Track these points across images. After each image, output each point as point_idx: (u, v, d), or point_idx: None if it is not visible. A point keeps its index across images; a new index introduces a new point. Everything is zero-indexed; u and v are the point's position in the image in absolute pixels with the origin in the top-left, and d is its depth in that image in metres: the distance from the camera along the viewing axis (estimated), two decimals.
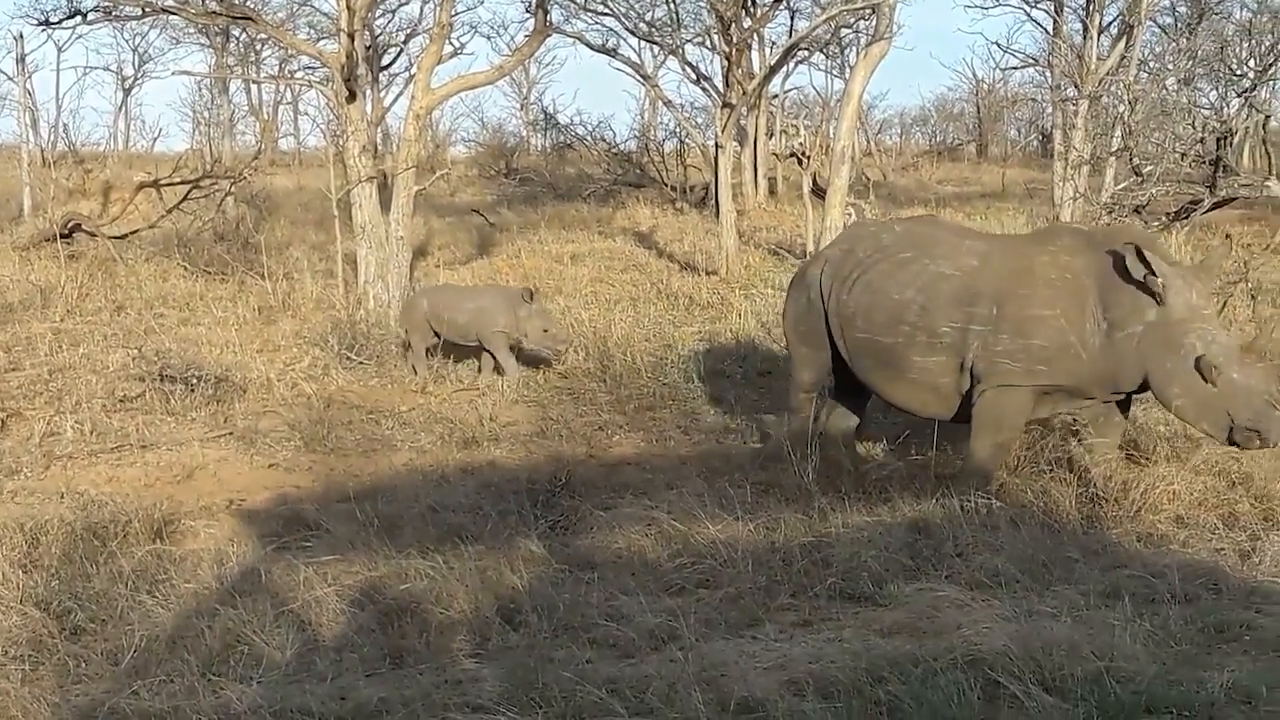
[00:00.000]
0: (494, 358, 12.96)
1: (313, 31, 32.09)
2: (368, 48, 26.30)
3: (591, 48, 22.97)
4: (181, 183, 21.48)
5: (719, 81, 27.88)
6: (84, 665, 6.05)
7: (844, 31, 35.42)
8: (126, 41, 47.16)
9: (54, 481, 9.49)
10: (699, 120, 32.27)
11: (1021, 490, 8.14)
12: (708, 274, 19.43)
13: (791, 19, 33.58)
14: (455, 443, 10.62)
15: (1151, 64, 25.75)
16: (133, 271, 19.02)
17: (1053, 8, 32.14)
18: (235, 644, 6.17)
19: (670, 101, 26.09)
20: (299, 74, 33.10)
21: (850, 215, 18.17)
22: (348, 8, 15.73)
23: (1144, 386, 8.14)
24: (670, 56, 29.33)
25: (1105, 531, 7.52)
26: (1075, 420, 8.70)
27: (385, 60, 35.03)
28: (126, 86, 48.15)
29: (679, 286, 18.08)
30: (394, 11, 32.82)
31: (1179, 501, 7.85)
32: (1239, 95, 24.46)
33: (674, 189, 30.56)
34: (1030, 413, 8.42)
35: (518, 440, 10.71)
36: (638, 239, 24.17)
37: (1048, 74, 31.48)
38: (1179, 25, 30.67)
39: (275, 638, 6.18)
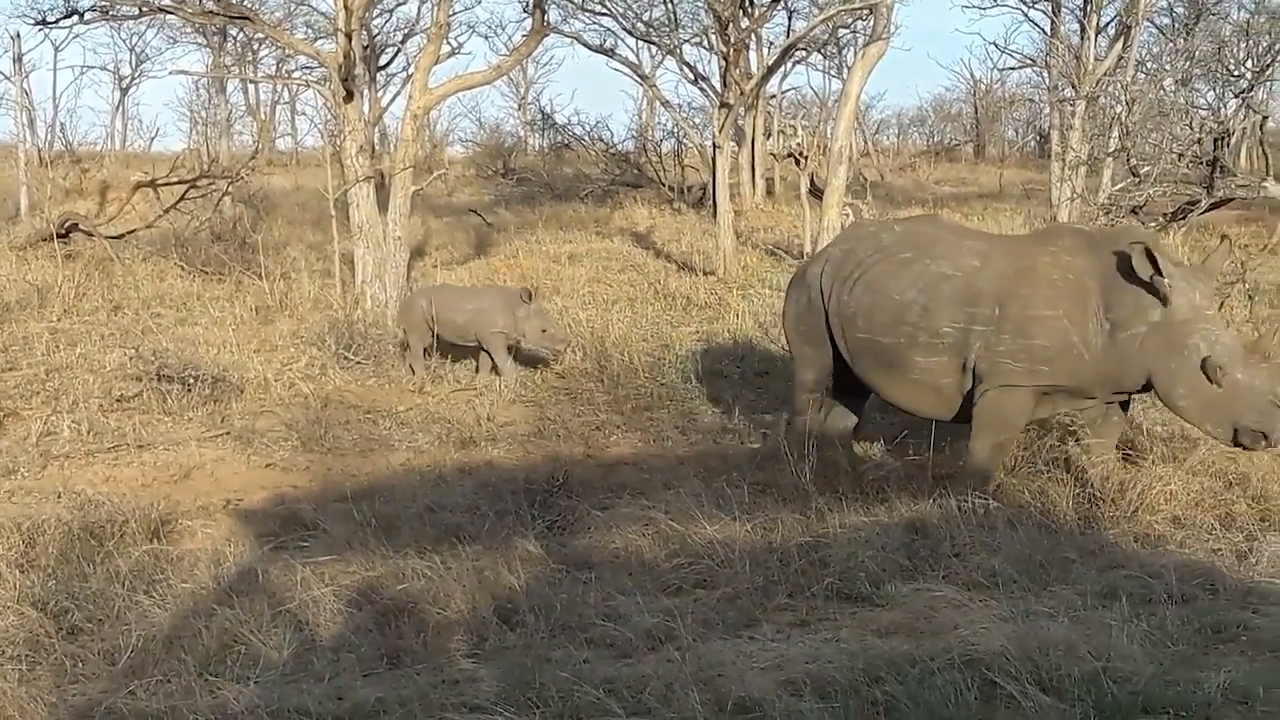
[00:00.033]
0: (491, 358, 12.96)
1: (310, 31, 32.15)
2: (365, 47, 26.36)
3: (589, 48, 23.00)
4: (179, 182, 21.46)
5: (716, 82, 27.89)
6: (81, 665, 6.05)
7: (841, 32, 35.40)
8: (123, 41, 47.11)
9: (51, 481, 9.47)
10: (696, 120, 32.33)
11: (1019, 491, 8.15)
12: (705, 274, 19.42)
13: (789, 19, 33.61)
14: (453, 443, 10.62)
15: (1149, 65, 25.80)
16: (130, 271, 18.98)
17: (1050, 8, 32.14)
18: (232, 644, 6.17)
19: (668, 102, 26.10)
20: (296, 74, 33.06)
21: (848, 216, 18.16)
22: (345, 7, 15.73)
23: (1146, 387, 8.15)
24: (668, 56, 29.37)
25: (1102, 532, 7.52)
26: (1073, 421, 8.71)
27: (383, 60, 35.11)
28: (123, 86, 48.11)
29: (676, 287, 18.07)
30: (391, 11, 32.91)
31: (1176, 502, 7.86)
32: (1236, 96, 24.51)
33: (671, 189, 30.55)
34: (1031, 413, 8.42)
35: (515, 440, 10.71)
36: (635, 239, 24.17)
37: (1045, 74, 31.52)
38: (1176, 26, 30.74)
39: (272, 638, 6.18)
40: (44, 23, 18.71)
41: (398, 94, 34.21)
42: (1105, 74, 22.17)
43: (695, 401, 11.77)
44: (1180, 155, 16.53)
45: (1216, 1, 29.71)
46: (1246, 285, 13.41)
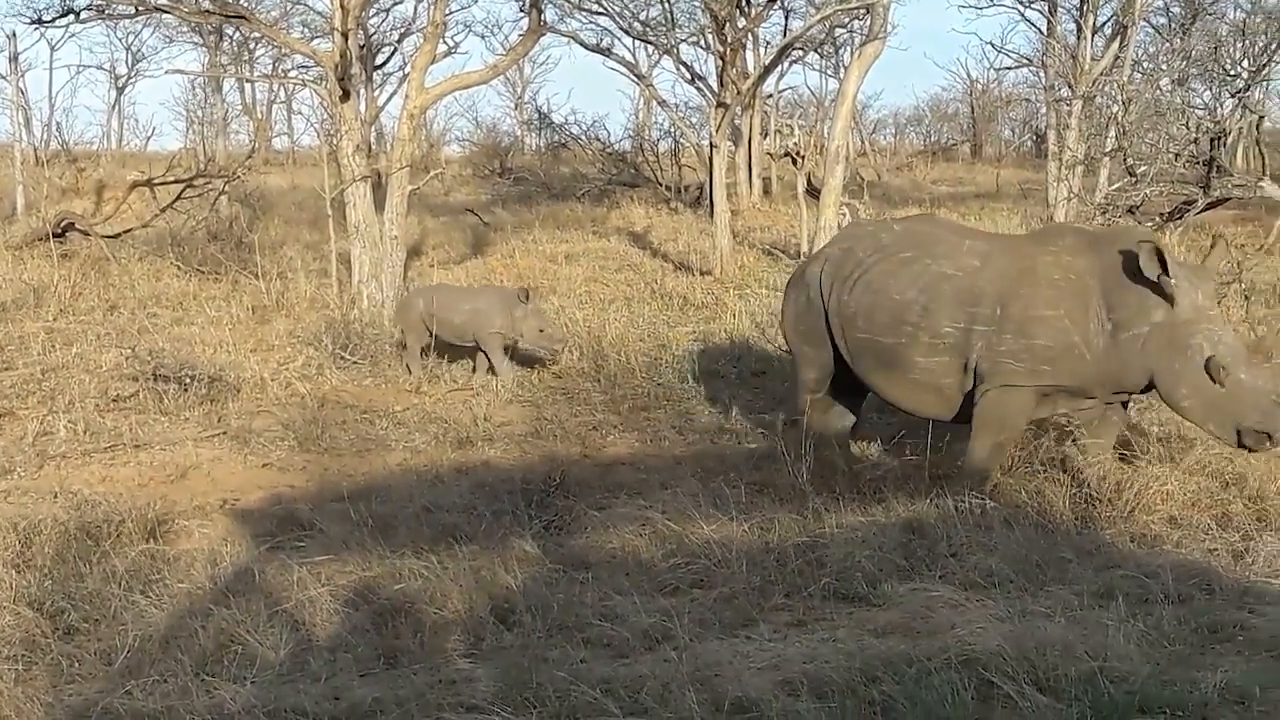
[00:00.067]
0: (488, 358, 12.96)
1: (306, 30, 32.14)
2: (361, 47, 26.34)
3: (586, 47, 22.96)
4: (175, 182, 21.45)
5: (713, 81, 27.85)
6: (77, 665, 6.05)
7: (838, 31, 35.37)
8: (120, 40, 47.03)
9: (47, 481, 9.47)
10: (693, 120, 32.30)
11: (1015, 491, 8.15)
12: (702, 274, 19.42)
13: (786, 19, 33.56)
14: (450, 443, 10.62)
15: (1145, 64, 25.73)
16: (126, 271, 18.97)
17: (1047, 8, 32.09)
18: (229, 644, 6.17)
19: (665, 101, 26.09)
20: (293, 73, 33.07)
21: (844, 215, 18.16)
22: (341, 6, 15.72)
23: (1147, 388, 8.15)
24: (665, 56, 29.27)
25: (1099, 532, 7.53)
26: (1068, 421, 8.71)
27: (379, 59, 35.08)
28: (120, 85, 48.06)
29: (673, 286, 18.08)
30: (388, 10, 32.89)
31: (1172, 502, 7.86)
32: (1233, 96, 24.49)
33: (668, 189, 30.53)
34: (1032, 413, 8.43)
35: (512, 440, 10.71)
36: (632, 239, 24.17)
37: (1042, 74, 31.46)
38: (1173, 25, 30.74)
39: (269, 638, 6.18)
40: (40, 22, 18.66)
41: (394, 93, 34.23)
42: (1102, 74, 22.17)
43: (692, 401, 11.77)
44: (1177, 155, 16.51)
45: (1213, 1, 29.73)
46: (1243, 285, 13.41)
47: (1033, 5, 33.01)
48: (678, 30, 28.18)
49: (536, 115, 39.45)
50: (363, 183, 16.08)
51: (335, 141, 17.49)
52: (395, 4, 32.05)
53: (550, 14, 21.58)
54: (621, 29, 25.16)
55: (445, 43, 18.06)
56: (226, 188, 21.85)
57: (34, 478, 9.61)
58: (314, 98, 31.27)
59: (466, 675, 5.75)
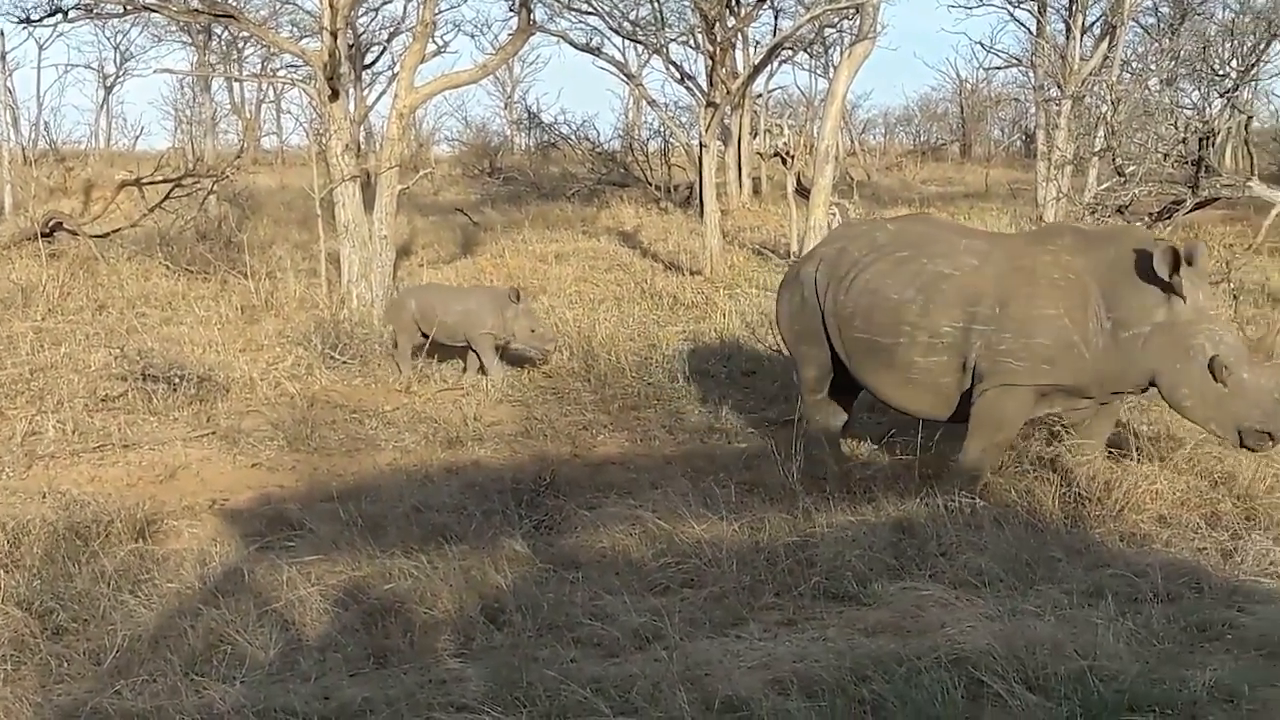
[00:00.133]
0: (479, 358, 12.95)
1: (295, 29, 32.00)
2: (350, 46, 26.31)
3: (575, 46, 22.96)
4: (164, 181, 21.40)
5: (703, 81, 27.89)
6: (66, 665, 6.03)
7: (828, 31, 35.47)
8: (108, 39, 47.14)
9: (36, 481, 9.44)
10: (683, 119, 32.28)
11: (1005, 490, 8.16)
12: (692, 274, 19.43)
13: (775, 18, 33.64)
14: (439, 442, 10.61)
15: (1134, 64, 25.86)
16: (114, 270, 18.93)
17: (1036, 8, 32.22)
18: (218, 644, 6.16)
19: (654, 101, 26.08)
20: (281, 72, 33.06)
21: (834, 215, 18.19)
22: (330, 6, 15.69)
23: (1146, 388, 8.16)
24: (654, 56, 29.35)
25: (1088, 531, 7.54)
26: (1057, 420, 8.72)
27: (368, 58, 34.97)
28: (108, 84, 48.00)
29: (663, 286, 18.07)
30: (377, 9, 32.77)
31: (1161, 501, 7.87)
32: (1221, 96, 24.58)
33: (658, 188, 30.57)
34: (1030, 413, 8.43)
35: (502, 440, 10.70)
36: (622, 238, 24.17)
37: (1031, 74, 31.55)
38: (1162, 26, 30.78)
39: (258, 637, 6.17)
40: (28, 20, 18.67)
41: (383, 93, 34.11)
42: (1091, 73, 22.21)
43: (682, 401, 11.77)
44: (1165, 155, 16.58)
45: (1201, 1, 29.79)
46: (1231, 285, 13.45)
47: (1022, 5, 33.13)
48: (667, 30, 28.21)
49: (526, 115, 39.57)
50: (352, 182, 16.07)
51: (324, 141, 17.46)
52: (384, 3, 31.93)
53: (540, 13, 21.61)
54: (611, 28, 25.14)
55: (434, 42, 18.01)
56: (215, 187, 21.80)
57: (22, 478, 9.59)
58: (303, 97, 31.35)
59: (456, 675, 5.74)
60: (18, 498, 8.96)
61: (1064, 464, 8.42)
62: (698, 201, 23.79)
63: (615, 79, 52.15)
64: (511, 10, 18.75)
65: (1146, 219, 16.67)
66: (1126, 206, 16.55)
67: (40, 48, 50.21)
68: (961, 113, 51.83)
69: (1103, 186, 17.95)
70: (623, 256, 21.88)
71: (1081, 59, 23.26)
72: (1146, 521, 7.66)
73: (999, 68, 42.08)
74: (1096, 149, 19.13)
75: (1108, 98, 18.68)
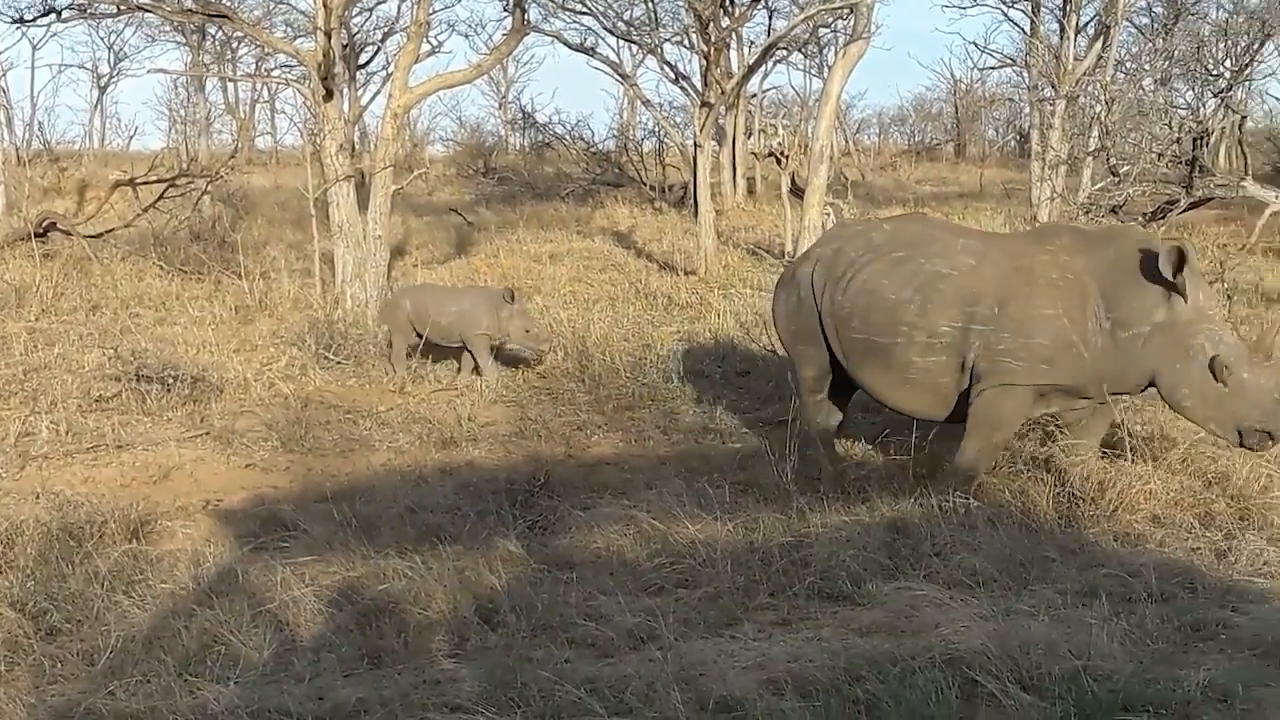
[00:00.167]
0: (474, 358, 12.94)
1: (289, 29, 32.04)
2: (345, 46, 26.30)
3: (570, 46, 22.94)
4: (157, 181, 21.36)
5: (697, 81, 27.88)
6: (60, 666, 6.03)
7: (822, 31, 35.43)
8: (102, 39, 47.14)
9: (29, 482, 9.43)
10: (677, 119, 32.36)
11: (999, 490, 8.16)
12: (686, 274, 19.43)
13: (770, 18, 33.60)
14: (433, 443, 10.60)
15: (1128, 64, 25.82)
16: (108, 271, 18.90)
17: (1030, 8, 32.16)
18: (212, 644, 6.15)
19: (649, 101, 26.06)
20: (276, 72, 33.00)
21: (829, 215, 18.19)
22: (324, 6, 15.68)
23: (1145, 388, 8.17)
24: (649, 56, 29.26)
25: (1082, 531, 7.54)
26: (1051, 420, 8.72)
27: (362, 58, 35.03)
28: (102, 84, 47.98)
29: (658, 286, 18.08)
30: (371, 10, 32.84)
31: (1155, 501, 7.87)
32: (1215, 96, 24.60)
33: (652, 188, 30.56)
34: (1028, 413, 8.43)
35: (496, 440, 10.70)
36: (616, 238, 24.17)
37: (1025, 74, 31.49)
38: (1155, 26, 30.81)
39: (252, 638, 6.16)
40: (21, 21, 18.58)
41: (378, 93, 34.20)
42: (1085, 73, 22.22)
43: (677, 401, 11.77)
44: (1159, 155, 16.61)
45: (1195, 1, 29.81)
46: (1225, 285, 13.47)
47: (1016, 5, 33.10)
48: (662, 30, 28.17)
49: (520, 115, 39.49)
50: (346, 182, 16.04)
51: (318, 141, 17.45)
52: (378, 3, 32.06)
53: (534, 13, 21.58)
54: (605, 28, 25.16)
55: (429, 42, 18.02)
56: (209, 187, 21.77)
57: (16, 478, 9.57)
58: (297, 97, 31.28)
59: (451, 675, 5.74)
60: (11, 498, 8.95)
61: (1058, 464, 8.42)
62: (692, 201, 23.80)
63: (610, 79, 52.20)
64: (506, 10, 18.71)
65: (1140, 219, 16.69)
66: (1121, 206, 16.57)
67: (34, 48, 50.27)
68: (956, 113, 51.85)
69: (1097, 186, 17.96)
70: (617, 257, 21.88)
71: (1076, 59, 23.26)
72: (1140, 521, 7.66)
73: (993, 68, 42.19)
74: (1091, 149, 19.14)
75: (1102, 98, 18.70)
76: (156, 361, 12.22)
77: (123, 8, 17.54)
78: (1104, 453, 8.63)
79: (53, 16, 17.38)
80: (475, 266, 20.40)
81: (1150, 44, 28.05)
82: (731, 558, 7.13)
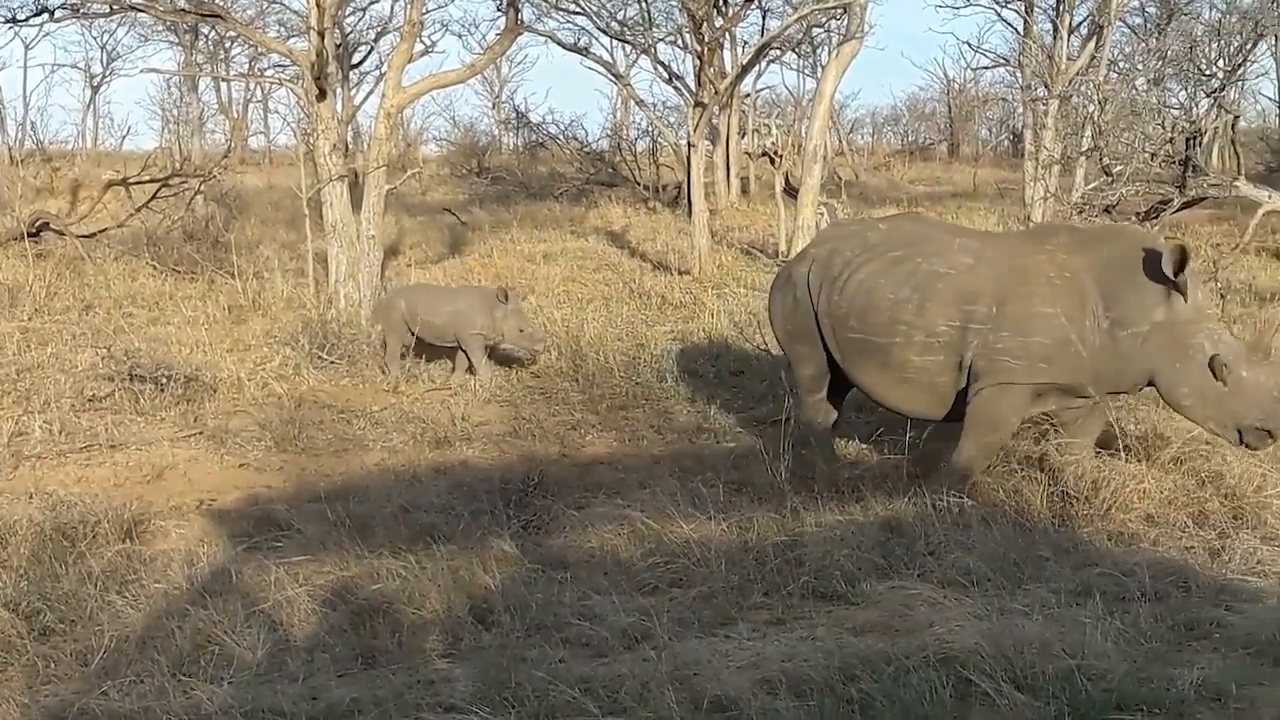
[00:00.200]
0: (468, 358, 12.93)
1: (282, 29, 32.02)
2: (338, 46, 26.22)
3: (563, 46, 22.94)
4: (150, 181, 21.32)
5: (691, 80, 27.85)
6: (53, 666, 6.02)
7: (816, 31, 35.48)
8: (94, 39, 47.06)
9: (22, 482, 9.41)
10: (671, 119, 32.30)
11: (993, 489, 8.17)
12: (680, 273, 19.43)
13: (763, 18, 33.64)
14: (427, 442, 10.60)
15: (1121, 64, 25.90)
16: (101, 270, 18.88)
17: (1023, 8, 32.24)
18: (206, 644, 6.15)
19: (642, 100, 26.04)
20: (269, 72, 33.04)
21: (822, 215, 18.20)
22: (318, 5, 15.66)
23: (1142, 387, 8.17)
24: (642, 55, 29.36)
25: (1076, 530, 7.55)
26: (1049, 419, 8.72)
27: (356, 58, 34.94)
28: (95, 84, 47.95)
29: (651, 286, 18.07)
30: (365, 9, 32.76)
31: (1149, 500, 7.87)
32: (1208, 95, 24.58)
33: (646, 188, 30.56)
34: (1025, 412, 8.43)
35: (490, 440, 10.69)
36: (610, 238, 24.16)
37: (1018, 74, 31.55)
38: (1148, 26, 30.84)
39: (246, 638, 6.15)
40: (14, 20, 18.58)
41: (371, 92, 34.06)
42: (1078, 73, 22.22)
43: (670, 401, 11.77)
44: (1153, 154, 16.59)
45: (1188, 1, 29.86)
46: (1219, 284, 13.48)
47: (1009, 5, 33.17)
48: (655, 30, 28.21)
49: (514, 114, 39.52)
50: (339, 182, 16.03)
51: (312, 141, 17.40)
52: (372, 3, 31.95)
53: (527, 13, 21.56)
54: (599, 28, 25.12)
55: (422, 42, 18.01)
56: (202, 187, 21.73)
57: (9, 478, 9.55)
58: (290, 97, 31.30)
59: (445, 675, 5.74)
60: (4, 498, 8.91)
61: (1052, 463, 8.43)
62: (686, 201, 23.81)
63: (603, 79, 52.01)
64: (499, 10, 18.69)
65: (1133, 218, 16.68)
66: (1114, 206, 16.57)
67: (26, 47, 50.25)
68: (949, 112, 51.88)
69: (1090, 186, 17.95)
70: (611, 256, 21.87)
71: (1068, 59, 23.27)
72: (1134, 520, 7.67)
73: (986, 67, 42.09)
74: (1084, 149, 19.14)
75: (1095, 97, 18.70)
76: (150, 361, 12.21)
77: (115, 7, 17.52)
78: (1097, 452, 8.64)
79: (45, 16, 17.35)
80: (469, 266, 20.39)
81: (1143, 44, 28.12)
82: (726, 557, 7.12)
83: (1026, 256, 8.38)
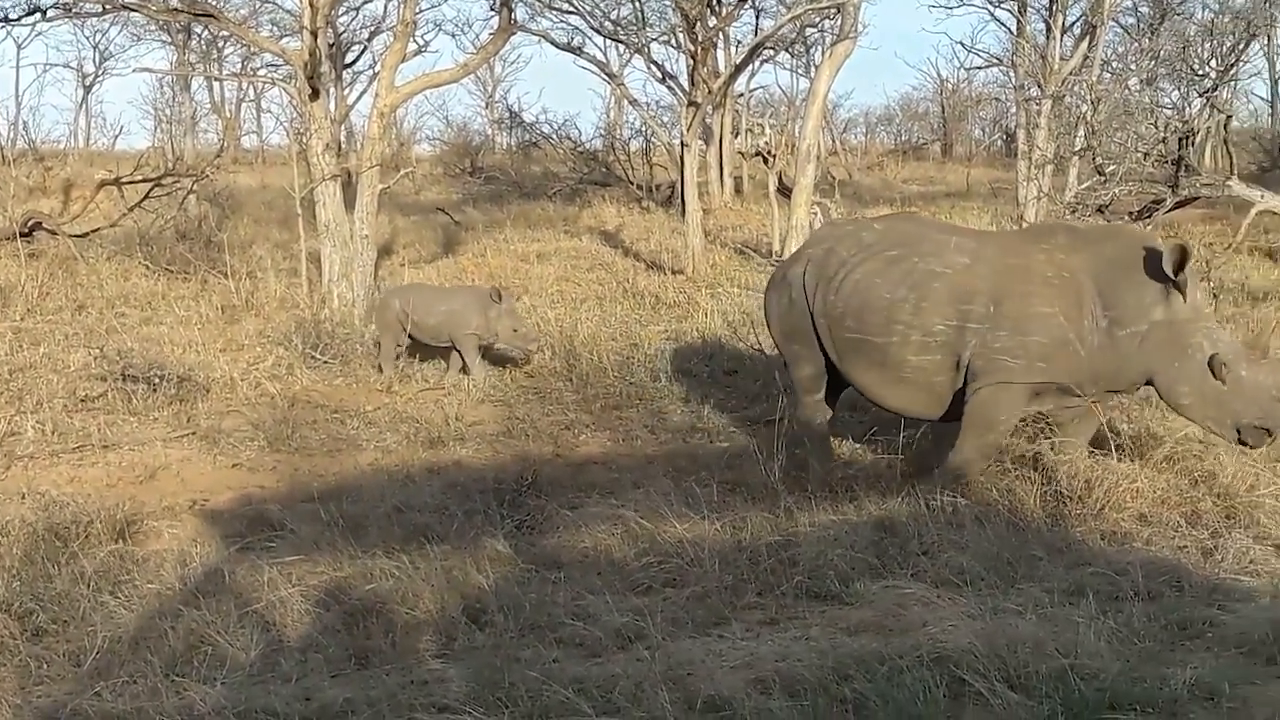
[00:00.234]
0: (462, 358, 12.93)
1: (275, 29, 31.97)
2: (331, 45, 26.26)
3: (557, 46, 22.97)
4: (143, 181, 21.27)
5: (684, 80, 27.92)
6: (46, 666, 6.00)
7: (809, 30, 35.49)
8: (87, 38, 46.94)
9: (15, 482, 9.39)
10: (665, 119, 32.30)
11: (987, 488, 8.17)
12: (674, 273, 19.42)
13: (757, 18, 33.67)
14: (421, 442, 10.59)
15: (1114, 64, 25.91)
16: (94, 270, 18.84)
17: (1016, 8, 32.23)
18: (199, 645, 6.14)
19: (636, 100, 26.08)
20: (262, 71, 32.99)
21: (816, 214, 18.21)
22: (310, 5, 15.66)
23: (1140, 386, 8.18)
24: (636, 55, 29.37)
25: (1069, 529, 7.55)
26: (1044, 419, 8.72)
27: (349, 58, 34.99)
28: (87, 84, 47.90)
29: (645, 285, 18.06)
30: (358, 9, 32.78)
31: (1142, 499, 7.88)
32: (1201, 95, 24.67)
33: (640, 188, 30.55)
34: (1023, 411, 8.43)
35: (484, 440, 10.68)
36: (604, 238, 24.15)
37: (1011, 74, 31.57)
38: (1141, 25, 30.93)
39: (239, 638, 6.14)
40: (5, 20, 18.51)
41: (364, 92, 34.16)
42: (1071, 73, 22.25)
43: (664, 400, 11.77)
44: (1145, 154, 16.58)
45: (1181, 1, 29.92)
46: (1211, 284, 13.49)
47: (1002, 5, 33.17)
48: (648, 29, 28.21)
49: (507, 114, 39.55)
50: (332, 182, 16.02)
51: (305, 140, 17.42)
52: (365, 2, 32.02)
53: (521, 13, 21.61)
54: (592, 28, 25.19)
55: (415, 41, 18.05)
56: (195, 187, 21.70)
57: (1, 479, 9.54)
58: (283, 96, 31.11)
59: (438, 675, 5.73)
60: None
61: (1045, 462, 8.43)
62: (679, 201, 23.78)
63: (597, 78, 52.12)
64: (492, 10, 18.69)
65: (1126, 218, 16.69)
66: (1107, 205, 16.56)
67: (19, 47, 50.15)
68: (943, 112, 51.91)
69: (1083, 186, 17.94)
70: (605, 256, 21.86)
71: (1062, 59, 23.31)
72: (1127, 520, 7.68)
73: (980, 67, 42.32)
74: (1077, 148, 19.14)
75: (1088, 97, 18.69)
76: (142, 361, 12.19)
77: (108, 6, 17.51)
78: (1090, 451, 8.64)
79: (37, 15, 17.30)
80: (462, 266, 20.37)
81: (1136, 44, 28.17)
82: (719, 557, 7.12)
83: (1024, 256, 8.38)
